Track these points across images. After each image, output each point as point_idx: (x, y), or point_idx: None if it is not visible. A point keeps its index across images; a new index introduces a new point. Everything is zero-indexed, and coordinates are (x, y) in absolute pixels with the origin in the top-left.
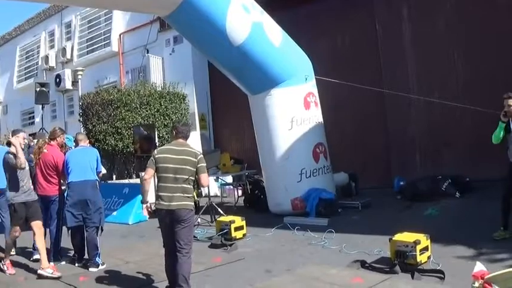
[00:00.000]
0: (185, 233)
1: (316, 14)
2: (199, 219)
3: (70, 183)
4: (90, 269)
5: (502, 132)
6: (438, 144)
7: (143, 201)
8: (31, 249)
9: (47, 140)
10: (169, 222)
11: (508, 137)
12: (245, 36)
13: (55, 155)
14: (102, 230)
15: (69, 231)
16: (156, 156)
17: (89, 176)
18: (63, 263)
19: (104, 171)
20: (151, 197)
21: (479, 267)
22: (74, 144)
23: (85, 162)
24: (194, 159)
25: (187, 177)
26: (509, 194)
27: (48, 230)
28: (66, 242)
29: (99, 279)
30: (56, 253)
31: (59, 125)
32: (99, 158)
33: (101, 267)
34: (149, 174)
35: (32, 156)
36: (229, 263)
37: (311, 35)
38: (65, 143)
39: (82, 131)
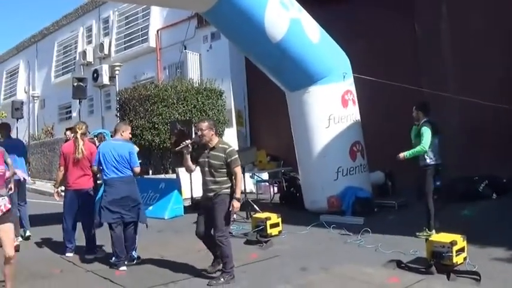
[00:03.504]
0: None
1: (355, 12)
2: (235, 216)
3: (106, 180)
4: (126, 263)
5: (412, 133)
6: (475, 144)
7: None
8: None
9: (78, 136)
10: None
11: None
12: (283, 33)
13: (90, 147)
14: (146, 226)
15: (109, 229)
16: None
17: (124, 172)
18: (99, 256)
19: (137, 169)
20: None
21: None
22: (111, 134)
23: (119, 158)
24: None
25: None
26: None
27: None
28: (100, 236)
29: (134, 273)
30: (92, 247)
31: (96, 120)
32: (135, 153)
33: (136, 261)
34: None
35: None
36: (264, 259)
37: (349, 33)
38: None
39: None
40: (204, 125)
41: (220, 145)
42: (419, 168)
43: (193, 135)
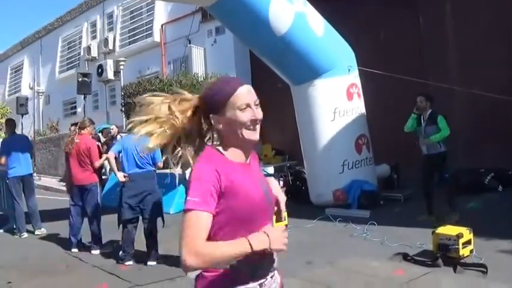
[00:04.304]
0: None
1: (359, 6)
2: None
3: (128, 176)
4: (149, 263)
5: (413, 123)
6: (481, 137)
7: None
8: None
9: (77, 131)
10: None
11: (419, 129)
12: (288, 26)
13: (87, 142)
14: (163, 223)
15: (123, 224)
16: None
17: (146, 167)
18: (105, 251)
19: (160, 164)
20: None
21: None
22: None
23: (142, 153)
24: None
25: None
26: (425, 184)
27: (86, 219)
28: (108, 233)
29: (141, 269)
30: (97, 243)
31: (101, 115)
32: (158, 149)
33: (159, 260)
34: None
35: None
36: None
37: (353, 27)
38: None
39: (124, 121)
40: None
41: None
42: (430, 157)
43: None
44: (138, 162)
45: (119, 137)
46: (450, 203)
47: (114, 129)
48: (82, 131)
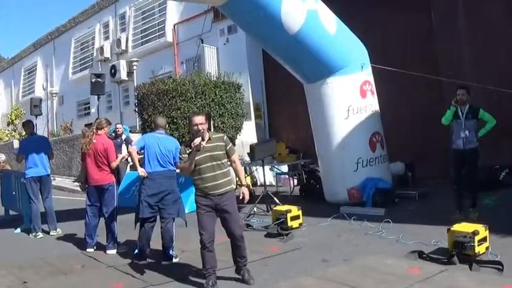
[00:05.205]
0: None
1: (370, 3)
2: (255, 209)
3: (149, 174)
4: (164, 262)
5: (451, 115)
6: (495, 133)
7: None
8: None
9: (94, 131)
10: None
11: (455, 123)
12: (300, 24)
13: (105, 142)
14: (186, 223)
15: (140, 223)
16: None
17: (167, 166)
18: (122, 251)
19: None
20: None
21: None
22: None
23: (165, 152)
24: None
25: None
26: (458, 180)
27: (103, 219)
28: (123, 233)
29: (156, 268)
30: (113, 242)
31: (115, 115)
32: (179, 148)
33: (174, 260)
34: None
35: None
36: (285, 252)
37: (366, 24)
38: (110, 133)
39: (138, 121)
40: (203, 118)
41: (214, 136)
42: (465, 151)
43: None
44: (161, 160)
45: (124, 136)
46: (474, 201)
47: (120, 129)
48: (99, 131)
